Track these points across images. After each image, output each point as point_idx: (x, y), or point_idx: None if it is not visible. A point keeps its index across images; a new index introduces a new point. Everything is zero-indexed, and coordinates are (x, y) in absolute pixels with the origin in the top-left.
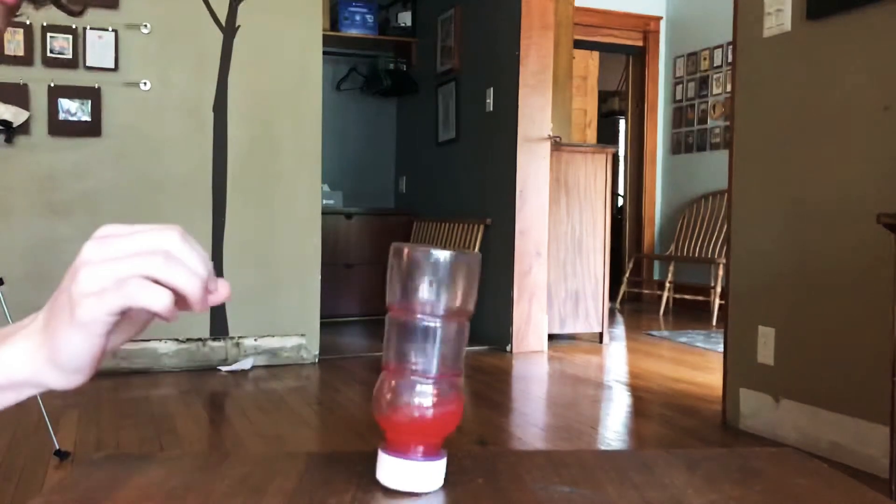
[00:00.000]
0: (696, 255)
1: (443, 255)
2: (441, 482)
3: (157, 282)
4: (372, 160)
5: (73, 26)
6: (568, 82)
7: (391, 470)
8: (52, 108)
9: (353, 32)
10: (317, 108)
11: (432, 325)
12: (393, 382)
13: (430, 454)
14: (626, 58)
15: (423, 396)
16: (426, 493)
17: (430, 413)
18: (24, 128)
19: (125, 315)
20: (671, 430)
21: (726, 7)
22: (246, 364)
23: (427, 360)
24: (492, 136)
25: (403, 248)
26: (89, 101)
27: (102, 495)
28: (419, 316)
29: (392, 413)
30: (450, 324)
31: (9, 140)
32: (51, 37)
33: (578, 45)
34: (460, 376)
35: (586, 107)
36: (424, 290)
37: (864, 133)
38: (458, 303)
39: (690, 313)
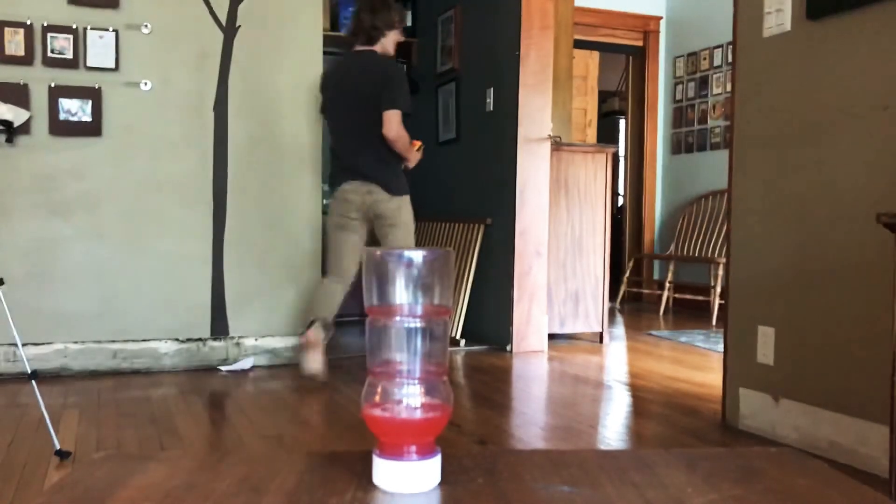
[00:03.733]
0: (696, 254)
1: (416, 255)
2: (438, 479)
3: None
4: None
5: (74, 26)
6: (568, 82)
7: (387, 473)
8: (53, 108)
9: None
10: (317, 108)
11: (413, 325)
12: (379, 386)
13: (423, 453)
14: (625, 58)
15: (411, 397)
16: (425, 492)
17: (419, 413)
18: (25, 128)
19: None
20: (671, 430)
21: (726, 7)
22: (246, 364)
23: (411, 360)
24: (492, 136)
25: (376, 251)
26: (90, 101)
27: (103, 495)
28: (399, 318)
29: (382, 417)
30: (429, 322)
31: (9, 140)
32: (51, 37)
33: (578, 45)
34: (446, 373)
35: (586, 107)
36: (401, 292)
37: (864, 133)
38: (435, 300)
39: (690, 313)
